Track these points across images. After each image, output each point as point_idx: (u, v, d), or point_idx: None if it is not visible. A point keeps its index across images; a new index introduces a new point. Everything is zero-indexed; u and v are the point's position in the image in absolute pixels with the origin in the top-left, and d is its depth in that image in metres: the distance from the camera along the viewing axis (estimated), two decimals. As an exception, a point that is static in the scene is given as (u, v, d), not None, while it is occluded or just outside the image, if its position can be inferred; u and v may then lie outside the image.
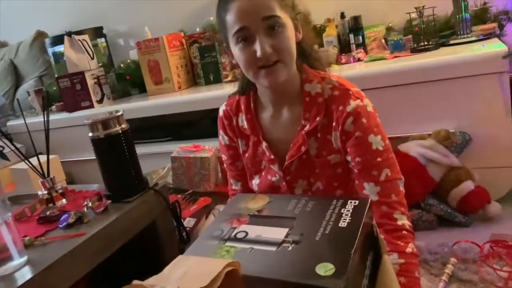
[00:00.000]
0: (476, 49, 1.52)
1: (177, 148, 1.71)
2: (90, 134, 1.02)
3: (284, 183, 0.93)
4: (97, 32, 2.71)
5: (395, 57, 1.72)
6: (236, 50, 0.84)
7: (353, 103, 0.84)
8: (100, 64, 2.49)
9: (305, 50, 0.92)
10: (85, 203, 1.04)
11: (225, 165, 1.06)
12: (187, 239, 1.15)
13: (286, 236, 0.61)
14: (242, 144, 0.99)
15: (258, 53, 0.80)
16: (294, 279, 0.53)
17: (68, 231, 0.94)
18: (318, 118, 0.87)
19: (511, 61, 1.44)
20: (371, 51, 1.90)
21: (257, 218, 0.67)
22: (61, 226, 0.97)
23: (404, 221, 0.82)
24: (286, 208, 0.68)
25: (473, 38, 1.66)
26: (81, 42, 2.32)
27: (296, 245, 0.58)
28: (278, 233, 0.62)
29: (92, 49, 2.39)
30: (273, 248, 0.59)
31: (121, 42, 2.83)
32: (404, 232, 0.82)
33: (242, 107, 0.96)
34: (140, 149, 2.07)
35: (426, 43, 1.73)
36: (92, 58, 2.37)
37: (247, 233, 0.64)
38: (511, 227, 1.40)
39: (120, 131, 1.02)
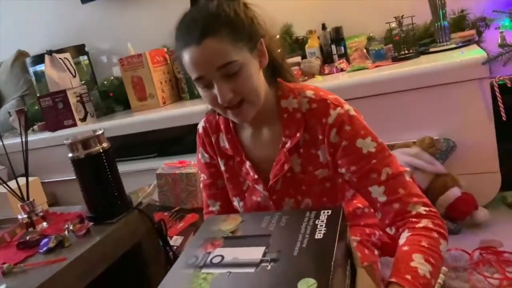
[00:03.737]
0: (456, 56, 1.54)
1: (163, 164, 1.69)
2: (70, 155, 1.00)
3: (271, 203, 0.91)
4: (79, 49, 2.69)
5: (377, 66, 1.73)
6: (199, 89, 0.82)
7: (333, 113, 0.82)
8: (83, 82, 2.47)
9: (276, 64, 0.89)
10: (66, 226, 1.00)
11: (202, 186, 1.02)
12: (174, 259, 1.12)
13: (264, 255, 0.59)
14: (222, 163, 0.96)
15: (219, 100, 0.78)
16: (278, 299, 0.51)
17: (48, 256, 0.91)
18: (298, 134, 0.85)
19: (491, 66, 1.46)
20: (354, 61, 1.91)
21: (232, 240, 0.66)
22: (41, 251, 0.94)
23: (418, 209, 0.78)
24: (260, 225, 0.67)
25: (453, 46, 1.69)
26: (63, 61, 2.29)
27: (275, 263, 0.57)
28: (255, 253, 0.60)
29: (74, 67, 2.37)
30: (252, 270, 0.57)
31: (104, 59, 2.82)
32: (421, 214, 0.77)
33: (222, 127, 0.94)
34: (126, 167, 2.09)
35: (406, 51, 1.75)
36: (74, 76, 2.34)
37: (223, 257, 0.62)
38: (499, 232, 1.40)
39: (101, 151, 1.00)
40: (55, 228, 1.06)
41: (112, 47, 2.75)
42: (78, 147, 0.98)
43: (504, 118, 1.46)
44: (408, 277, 0.68)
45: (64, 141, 1.00)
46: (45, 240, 0.96)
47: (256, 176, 0.90)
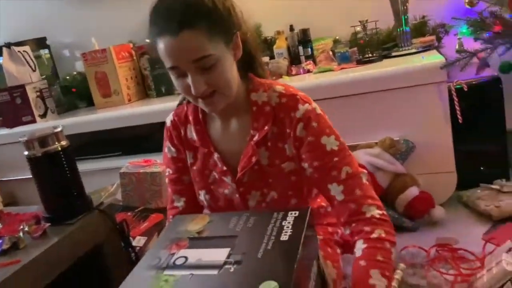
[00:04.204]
0: (416, 60, 1.60)
1: (127, 163, 1.65)
2: (26, 153, 0.96)
3: (237, 195, 0.91)
4: (40, 42, 2.58)
5: (342, 68, 1.77)
6: (172, 77, 0.82)
7: (301, 108, 0.85)
8: (43, 77, 2.37)
9: (251, 57, 0.90)
10: (21, 227, 0.96)
11: (167, 180, 1.00)
12: (137, 260, 1.10)
13: (228, 257, 0.59)
14: (190, 156, 0.95)
15: (192, 91, 0.79)
16: (238, 302, 0.51)
17: (1, 258, 0.87)
18: (266, 127, 0.86)
19: (449, 71, 1.53)
20: (320, 63, 1.94)
21: (198, 241, 0.65)
22: (-6, 253, 0.90)
23: (372, 212, 0.81)
24: (228, 226, 0.67)
25: (413, 50, 1.75)
26: (22, 54, 2.20)
27: (238, 266, 0.57)
28: (219, 254, 0.60)
29: (34, 60, 2.28)
30: (215, 272, 0.57)
31: (66, 53, 2.71)
32: (374, 220, 0.81)
33: (190, 118, 0.93)
34: (89, 165, 2.03)
35: (370, 55, 1.79)
36: (34, 70, 2.25)
37: (186, 259, 0.61)
38: (455, 230, 1.46)
39: (60, 149, 0.96)
40: (10, 229, 1.01)
41: (75, 40, 2.65)
42: (34, 144, 0.95)
43: (460, 121, 1.53)
44: None
45: (19, 138, 0.96)
46: (-2, 242, 0.92)
47: (224, 168, 0.90)
